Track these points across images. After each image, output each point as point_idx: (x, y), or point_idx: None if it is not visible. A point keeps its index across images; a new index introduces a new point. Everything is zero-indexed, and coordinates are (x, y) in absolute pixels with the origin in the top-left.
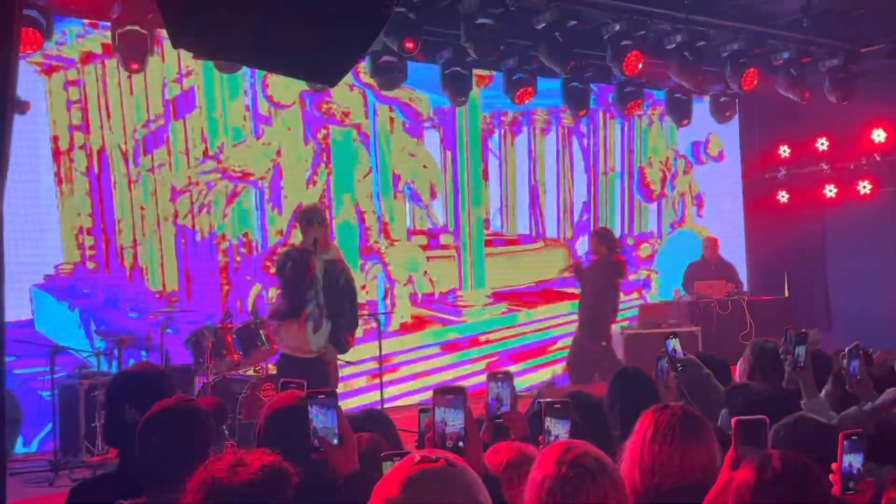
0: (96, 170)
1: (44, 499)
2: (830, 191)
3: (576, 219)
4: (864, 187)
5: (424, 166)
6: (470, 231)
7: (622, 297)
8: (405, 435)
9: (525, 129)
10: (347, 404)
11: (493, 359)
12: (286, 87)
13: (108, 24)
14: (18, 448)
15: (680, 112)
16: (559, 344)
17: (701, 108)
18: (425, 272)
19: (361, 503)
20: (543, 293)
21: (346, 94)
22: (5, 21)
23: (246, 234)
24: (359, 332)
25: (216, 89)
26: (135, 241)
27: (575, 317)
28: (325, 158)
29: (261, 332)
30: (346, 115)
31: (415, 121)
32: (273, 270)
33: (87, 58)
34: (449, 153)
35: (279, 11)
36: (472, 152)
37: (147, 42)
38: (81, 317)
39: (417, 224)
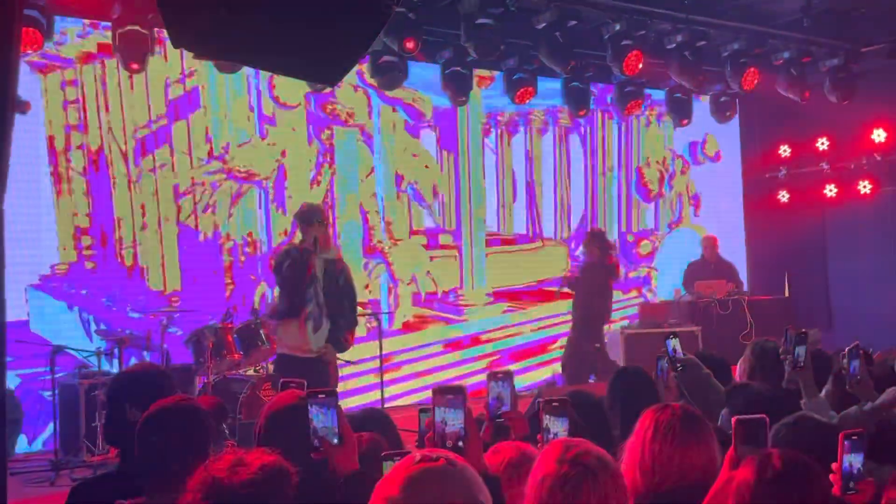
0: (95, 170)
1: (45, 498)
2: (831, 190)
3: (573, 219)
4: (865, 187)
5: (426, 166)
6: (471, 230)
7: (621, 295)
8: (406, 434)
9: (522, 129)
10: (348, 404)
11: (495, 357)
12: (292, 88)
13: (108, 24)
14: (19, 448)
15: (680, 112)
16: (559, 343)
17: (699, 108)
18: (428, 272)
19: (362, 503)
20: (544, 292)
21: (350, 95)
22: (5, 21)
23: (250, 234)
24: (362, 332)
25: (221, 89)
26: (134, 241)
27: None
28: (328, 159)
29: (261, 331)
30: (351, 115)
31: (418, 121)
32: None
33: (86, 58)
34: (446, 152)
35: (279, 11)
36: (472, 152)
37: (148, 42)
38: (80, 317)
39: (416, 224)
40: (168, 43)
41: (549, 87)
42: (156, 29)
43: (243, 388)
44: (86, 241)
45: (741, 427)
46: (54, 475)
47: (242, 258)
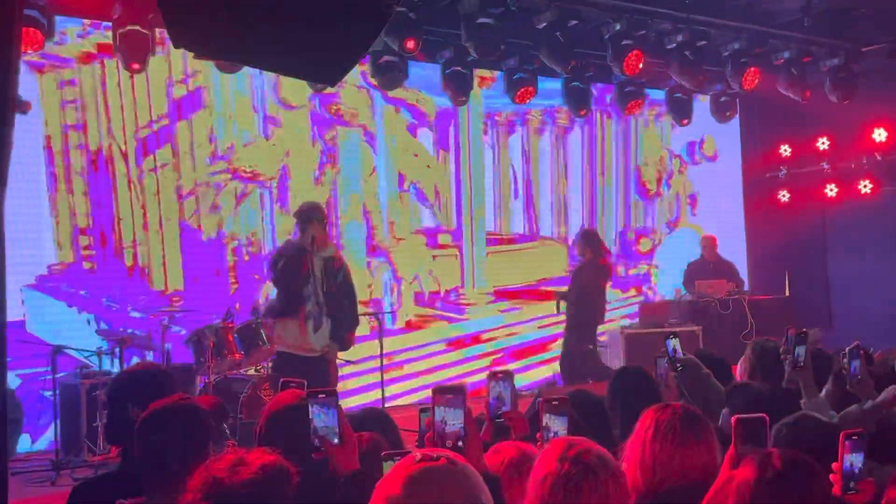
0: (94, 170)
1: (45, 498)
2: (831, 190)
3: (571, 218)
4: (865, 186)
5: (428, 166)
6: (472, 230)
7: (620, 294)
8: (407, 434)
9: (519, 129)
10: (350, 403)
11: (497, 356)
12: (298, 90)
13: (108, 24)
14: (20, 448)
15: (681, 111)
16: (560, 341)
17: (696, 108)
18: (430, 271)
19: (362, 502)
20: (544, 292)
21: (354, 95)
22: (6, 21)
23: (254, 234)
24: (365, 330)
25: (225, 90)
26: (134, 241)
27: None
28: (332, 159)
29: (262, 331)
30: (355, 115)
31: (422, 122)
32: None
33: (86, 58)
34: (443, 152)
35: (280, 11)
36: (473, 151)
37: (148, 42)
38: (80, 317)
39: (419, 223)
40: (170, 43)
41: (547, 88)
42: (158, 30)
43: (244, 388)
44: (84, 241)
45: (741, 426)
46: (55, 475)
47: (246, 258)
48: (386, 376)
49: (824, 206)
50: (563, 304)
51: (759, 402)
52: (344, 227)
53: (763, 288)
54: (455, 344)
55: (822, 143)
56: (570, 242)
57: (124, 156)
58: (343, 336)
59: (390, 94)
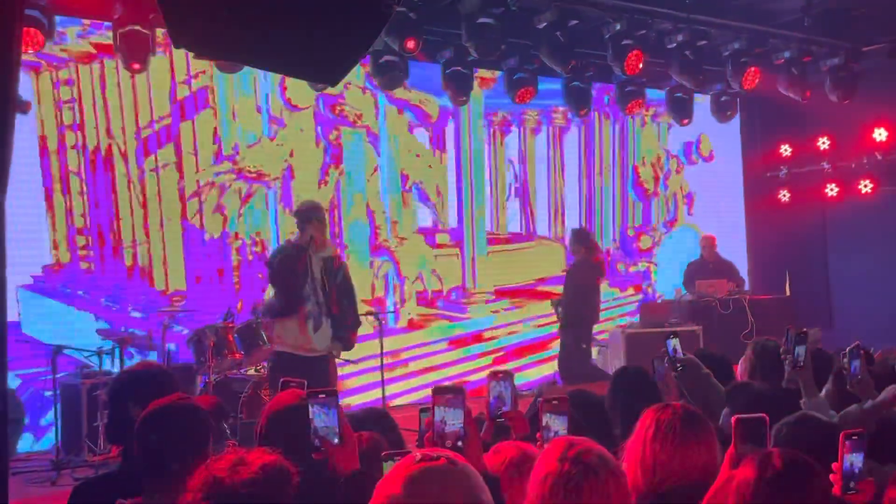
0: (92, 170)
1: (46, 498)
2: (832, 190)
3: (567, 218)
4: (866, 186)
5: (430, 166)
6: (473, 229)
7: (618, 293)
8: (409, 434)
9: (515, 129)
10: (352, 402)
11: (499, 354)
12: (304, 91)
13: (107, 23)
14: (21, 447)
15: (681, 111)
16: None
17: (694, 108)
18: (434, 270)
19: (362, 502)
20: (543, 291)
21: (358, 96)
22: (6, 21)
23: (258, 233)
24: (367, 329)
25: (230, 90)
26: (134, 240)
27: None
28: (336, 159)
29: (262, 331)
30: (360, 116)
31: (425, 123)
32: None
33: (84, 57)
34: (439, 152)
35: (280, 11)
36: (474, 151)
37: (149, 42)
38: (78, 317)
39: (421, 223)
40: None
41: (544, 88)
42: (161, 31)
43: (244, 388)
44: (80, 241)
45: (741, 426)
46: (56, 475)
47: (250, 257)
48: (389, 375)
49: (825, 206)
50: (560, 310)
51: (759, 402)
52: (347, 227)
53: (763, 287)
54: (457, 342)
55: (823, 143)
56: (565, 242)
57: (124, 156)
58: (346, 336)
59: (395, 95)
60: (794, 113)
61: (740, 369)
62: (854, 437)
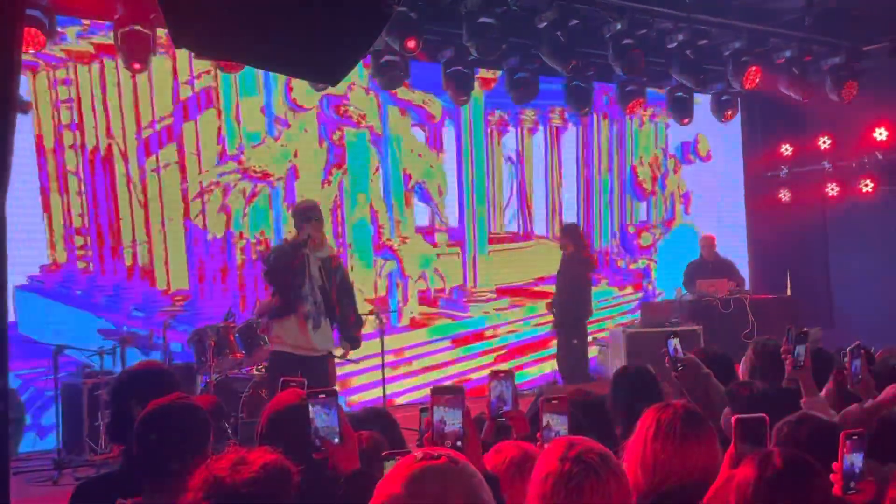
0: (90, 169)
1: (47, 498)
2: (832, 189)
3: (565, 218)
4: (866, 186)
5: (432, 166)
6: (474, 229)
7: (617, 291)
8: (410, 433)
9: (512, 129)
10: (354, 401)
11: (502, 351)
12: (309, 91)
13: (107, 23)
14: (22, 447)
15: (682, 110)
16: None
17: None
18: (437, 269)
19: (363, 502)
20: (542, 290)
21: (362, 97)
22: (7, 21)
23: (262, 233)
24: (369, 328)
25: (233, 91)
26: (133, 240)
27: None
28: (339, 159)
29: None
30: (363, 117)
31: (429, 123)
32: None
33: (83, 57)
34: (435, 151)
35: (280, 11)
36: (476, 150)
37: (150, 41)
38: (77, 317)
39: (424, 222)
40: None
41: (542, 88)
42: (164, 31)
43: (245, 388)
44: (78, 241)
45: (741, 426)
46: (57, 474)
47: (255, 256)
48: (394, 373)
49: (825, 206)
50: (555, 310)
51: (759, 402)
52: (351, 227)
53: (764, 287)
54: (459, 341)
55: (824, 143)
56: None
57: (124, 155)
58: (354, 336)
59: (399, 95)
60: (794, 112)
61: (741, 369)
62: (854, 437)
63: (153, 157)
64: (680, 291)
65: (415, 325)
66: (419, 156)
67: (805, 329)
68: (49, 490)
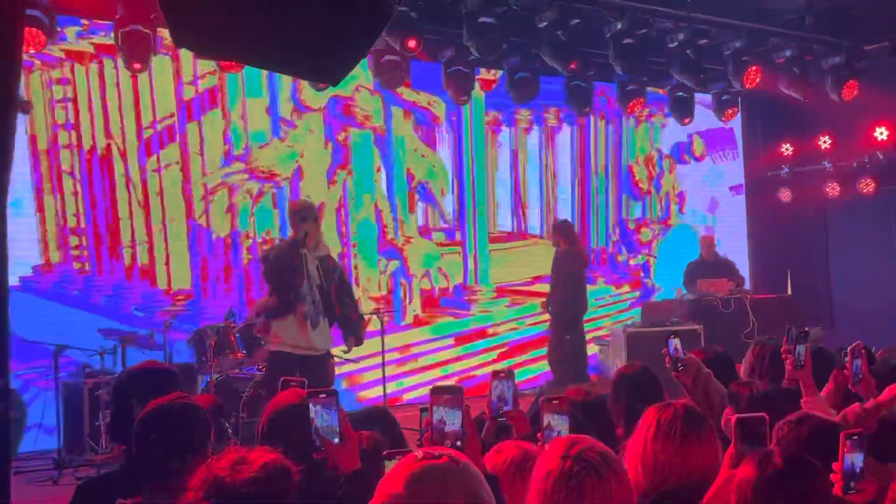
0: (88, 169)
1: (48, 497)
2: (833, 189)
3: (561, 217)
4: (867, 185)
5: (434, 166)
6: (474, 228)
7: (614, 290)
8: (411, 433)
9: (507, 129)
10: (365, 397)
11: (503, 349)
12: (315, 92)
13: (108, 23)
14: (23, 447)
15: (682, 110)
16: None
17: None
18: (440, 268)
19: (363, 501)
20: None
21: (367, 98)
22: (8, 21)
23: (268, 232)
24: (374, 326)
25: (238, 91)
26: (133, 240)
27: None
28: (344, 160)
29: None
30: (368, 117)
31: (433, 124)
32: (260, 259)
33: (81, 57)
34: (441, 152)
35: (280, 10)
36: (476, 150)
37: (150, 42)
38: (74, 317)
39: (427, 222)
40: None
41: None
42: (165, 31)
43: (246, 387)
44: (73, 241)
45: (741, 426)
46: (58, 474)
47: (260, 255)
48: (399, 370)
49: (826, 205)
50: (551, 308)
51: (759, 402)
52: (356, 227)
53: (765, 286)
54: (462, 339)
55: (824, 142)
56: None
57: (123, 155)
58: (360, 335)
59: (403, 96)
60: (795, 112)
61: (742, 369)
62: (855, 437)
63: (154, 158)
64: (680, 291)
65: (418, 323)
66: (423, 156)
67: (805, 329)
68: (49, 490)
